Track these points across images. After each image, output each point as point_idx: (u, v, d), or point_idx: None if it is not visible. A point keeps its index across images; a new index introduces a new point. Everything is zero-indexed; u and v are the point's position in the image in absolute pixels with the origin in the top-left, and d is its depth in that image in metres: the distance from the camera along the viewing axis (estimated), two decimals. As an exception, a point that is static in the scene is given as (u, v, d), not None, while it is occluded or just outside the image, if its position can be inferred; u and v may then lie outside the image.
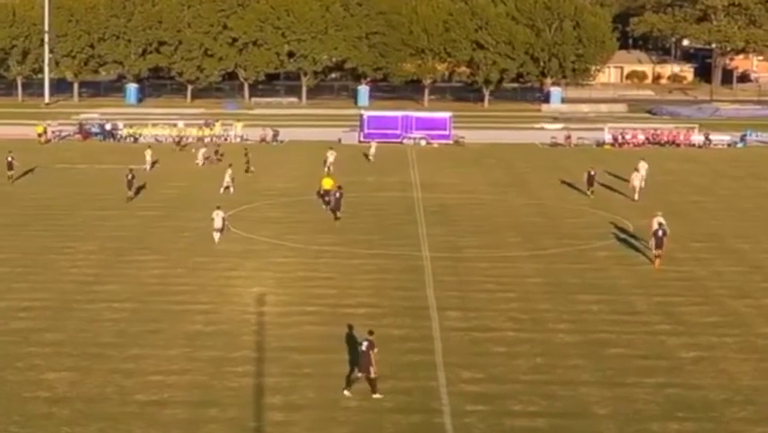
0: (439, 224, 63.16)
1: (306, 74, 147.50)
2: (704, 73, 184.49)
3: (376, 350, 35.25)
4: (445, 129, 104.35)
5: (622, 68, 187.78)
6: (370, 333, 36.17)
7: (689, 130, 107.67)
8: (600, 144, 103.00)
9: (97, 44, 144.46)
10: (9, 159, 77.43)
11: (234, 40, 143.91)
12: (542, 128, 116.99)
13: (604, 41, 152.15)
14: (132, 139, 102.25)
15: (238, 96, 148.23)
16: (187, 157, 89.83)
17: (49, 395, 34.63)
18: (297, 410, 33.73)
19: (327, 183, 69.26)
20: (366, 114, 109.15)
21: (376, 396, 34.94)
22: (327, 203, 66.98)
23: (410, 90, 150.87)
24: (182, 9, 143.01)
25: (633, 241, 59.32)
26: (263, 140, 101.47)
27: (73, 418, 32.73)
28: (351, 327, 40.33)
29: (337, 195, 64.80)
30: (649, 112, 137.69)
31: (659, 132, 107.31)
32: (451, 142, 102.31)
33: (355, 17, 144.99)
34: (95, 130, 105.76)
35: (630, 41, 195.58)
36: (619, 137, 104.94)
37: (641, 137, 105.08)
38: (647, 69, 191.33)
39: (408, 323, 43.30)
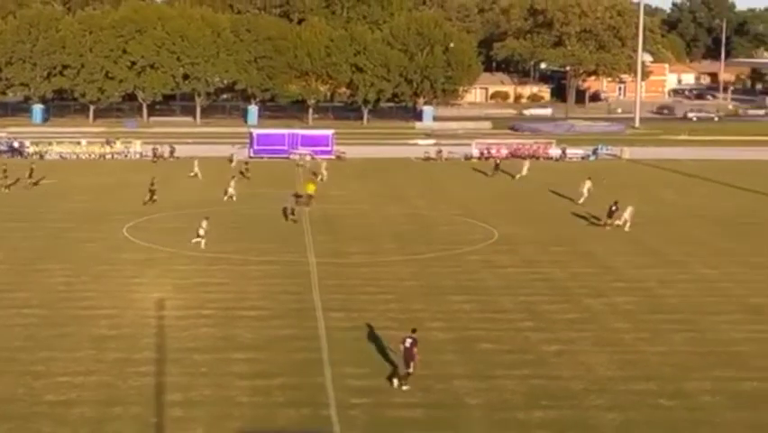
0: (324, 232, 63.02)
1: (199, 95, 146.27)
2: (559, 93, 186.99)
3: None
4: (328, 145, 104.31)
5: (487, 88, 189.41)
6: (413, 331, 36.38)
7: (547, 144, 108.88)
8: (468, 158, 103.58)
9: (5, 68, 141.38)
10: None
11: (133, 63, 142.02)
12: (415, 144, 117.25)
13: (470, 65, 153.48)
14: (38, 156, 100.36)
15: (137, 115, 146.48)
16: (90, 173, 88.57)
17: (-39, 397, 33.86)
18: (194, 407, 33.43)
19: (310, 188, 72.36)
20: (255, 131, 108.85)
21: (404, 388, 35.13)
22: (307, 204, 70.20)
23: (295, 109, 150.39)
24: (84, 35, 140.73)
25: (499, 246, 59.81)
26: (156, 156, 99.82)
27: (-15, 418, 32.04)
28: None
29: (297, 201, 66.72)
30: (511, 128, 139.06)
31: (520, 146, 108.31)
32: (333, 157, 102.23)
33: (244, 42, 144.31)
34: (2, 148, 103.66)
35: (494, 64, 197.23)
36: (485, 151, 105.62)
37: (504, 151, 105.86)
38: (509, 89, 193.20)
39: (296, 324, 43.14)
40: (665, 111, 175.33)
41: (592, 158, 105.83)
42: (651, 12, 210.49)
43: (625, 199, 67.34)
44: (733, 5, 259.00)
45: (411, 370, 35.56)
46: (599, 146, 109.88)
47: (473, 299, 47.59)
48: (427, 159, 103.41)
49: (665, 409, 33.79)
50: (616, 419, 32.81)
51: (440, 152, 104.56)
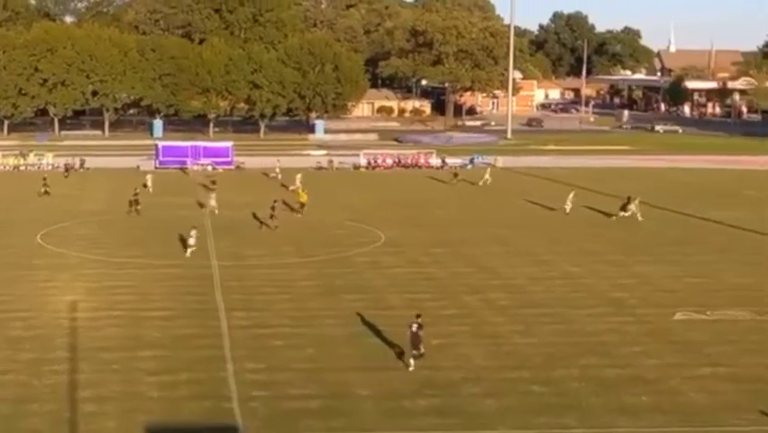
0: (225, 237, 62.47)
1: (108, 110, 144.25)
2: (439, 107, 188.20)
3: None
4: (228, 156, 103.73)
5: (373, 103, 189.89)
6: (418, 316, 37.42)
7: (428, 154, 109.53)
8: (357, 167, 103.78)
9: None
10: None
11: (45, 80, 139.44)
12: (308, 154, 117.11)
13: (358, 81, 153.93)
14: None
15: (49, 129, 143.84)
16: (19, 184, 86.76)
17: None
18: (106, 402, 32.88)
19: (303, 197, 72.20)
20: (160, 144, 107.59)
21: (411, 368, 36.15)
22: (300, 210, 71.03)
23: (198, 123, 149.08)
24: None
25: (386, 248, 59.95)
26: (68, 169, 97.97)
27: None
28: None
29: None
30: (396, 140, 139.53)
31: (404, 156, 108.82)
32: (233, 167, 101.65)
33: (149, 61, 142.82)
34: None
35: (379, 81, 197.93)
36: (372, 161, 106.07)
37: (389, 161, 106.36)
38: (394, 104, 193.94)
39: (200, 323, 42.68)
40: (534, 123, 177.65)
41: (469, 166, 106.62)
42: (520, 33, 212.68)
43: (509, 203, 67.97)
44: (593, 27, 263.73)
45: (422, 351, 36.64)
46: (475, 156, 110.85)
47: (363, 297, 47.60)
48: (320, 168, 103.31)
49: (537, 395, 34.13)
50: (492, 405, 33.05)
51: (331, 161, 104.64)
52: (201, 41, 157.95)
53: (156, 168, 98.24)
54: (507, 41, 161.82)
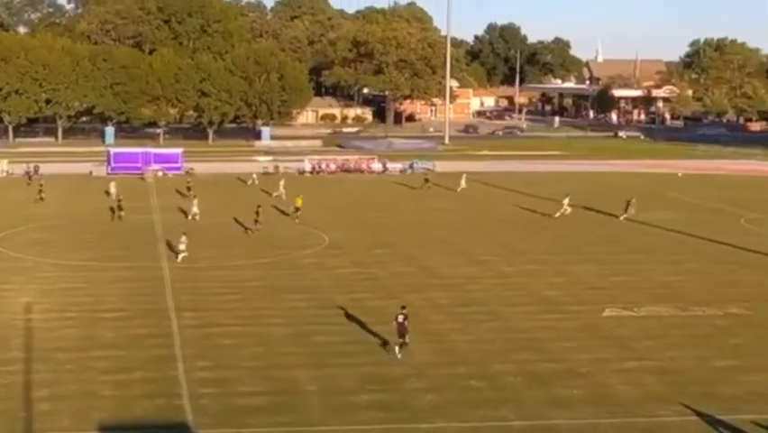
0: (177, 240, 61.94)
1: (61, 118, 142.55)
2: (380, 114, 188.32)
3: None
4: (178, 162, 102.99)
5: (317, 111, 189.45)
6: (403, 307, 38.36)
7: (370, 159, 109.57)
8: (302, 172, 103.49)
9: None
10: None
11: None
12: (255, 160, 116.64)
13: (302, 90, 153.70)
14: None
15: (3, 136, 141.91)
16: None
17: None
18: (61, 401, 32.55)
19: (298, 201, 71.85)
20: (112, 150, 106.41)
21: (400, 356, 36.99)
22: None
23: (148, 131, 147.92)
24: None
25: (330, 250, 59.89)
26: (30, 176, 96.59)
27: None
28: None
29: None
30: (339, 146, 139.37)
31: (347, 161, 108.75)
32: (182, 172, 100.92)
33: (101, 70, 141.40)
34: None
35: (323, 89, 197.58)
36: (317, 166, 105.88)
37: (333, 166, 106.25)
38: (337, 111, 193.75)
39: (152, 323, 42.42)
40: (470, 130, 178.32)
41: (409, 171, 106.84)
42: (457, 44, 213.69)
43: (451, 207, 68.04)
44: (525, 38, 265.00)
45: (407, 340, 37.42)
46: (414, 161, 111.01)
47: (309, 297, 47.54)
48: (266, 173, 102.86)
49: (475, 389, 34.30)
50: (433, 399, 33.16)
51: (277, 167, 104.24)
52: (151, 51, 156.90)
53: (108, 174, 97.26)
54: (445, 52, 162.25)
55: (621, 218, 72.22)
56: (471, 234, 66.59)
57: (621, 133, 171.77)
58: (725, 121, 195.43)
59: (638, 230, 69.11)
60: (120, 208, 70.89)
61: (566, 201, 73.92)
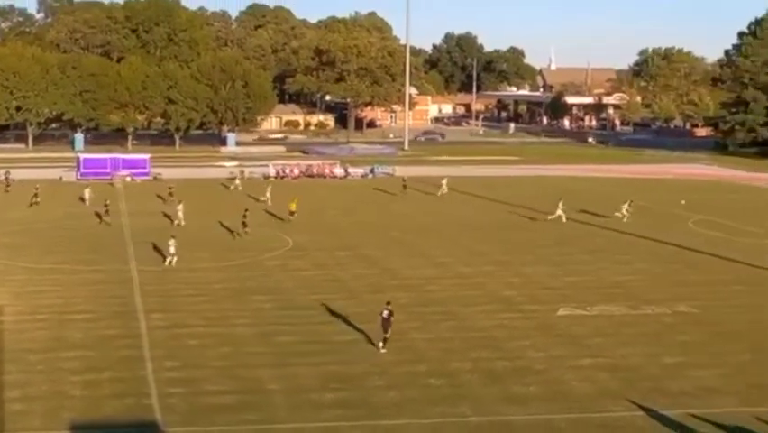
0: (144, 243, 61.63)
1: (31, 124, 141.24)
2: (342, 121, 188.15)
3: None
4: (146, 168, 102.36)
5: (281, 117, 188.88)
6: (388, 303, 39.18)
7: (332, 165, 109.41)
8: (266, 177, 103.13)
9: None
10: None
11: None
12: (221, 165, 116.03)
13: (266, 97, 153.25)
14: None
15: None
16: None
17: None
18: (32, 401, 32.22)
19: (293, 205, 71.64)
20: (82, 156, 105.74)
21: (384, 351, 37.76)
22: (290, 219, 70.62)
23: (117, 136, 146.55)
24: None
25: (294, 252, 59.75)
26: (9, 183, 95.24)
27: None
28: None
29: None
30: (302, 151, 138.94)
31: (310, 166, 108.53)
32: (150, 178, 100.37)
33: (71, 78, 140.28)
34: None
35: (286, 96, 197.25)
36: (281, 171, 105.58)
37: (296, 171, 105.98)
38: (300, 118, 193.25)
39: (121, 324, 42.09)
40: (429, 135, 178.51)
41: (370, 176, 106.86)
42: (415, 53, 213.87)
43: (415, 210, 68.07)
44: (482, 47, 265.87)
45: (388, 335, 38.15)
46: (375, 166, 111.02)
47: (273, 298, 47.40)
48: (231, 178, 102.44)
49: (434, 387, 34.32)
50: (394, 397, 33.16)
51: (242, 172, 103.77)
52: (119, 60, 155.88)
53: (77, 179, 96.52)
54: (404, 60, 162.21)
55: (548, 218, 72.14)
56: (431, 236, 66.63)
57: (590, 139, 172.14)
58: (672, 127, 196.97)
59: (589, 231, 69.51)
60: (107, 213, 70.29)
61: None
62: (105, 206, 71.30)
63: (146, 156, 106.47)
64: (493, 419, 31.36)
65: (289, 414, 31.56)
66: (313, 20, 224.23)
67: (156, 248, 59.07)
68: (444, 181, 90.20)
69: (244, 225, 64.64)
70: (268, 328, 41.64)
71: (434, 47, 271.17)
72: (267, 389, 33.87)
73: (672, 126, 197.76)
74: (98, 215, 71.02)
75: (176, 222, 68.81)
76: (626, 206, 74.28)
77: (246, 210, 66.71)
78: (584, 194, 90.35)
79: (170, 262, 54.74)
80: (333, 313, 44.37)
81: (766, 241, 66.48)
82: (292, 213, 71.66)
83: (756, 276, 54.33)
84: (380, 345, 38.32)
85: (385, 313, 38.47)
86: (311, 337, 40.35)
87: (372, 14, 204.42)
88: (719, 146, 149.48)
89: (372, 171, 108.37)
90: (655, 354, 38.63)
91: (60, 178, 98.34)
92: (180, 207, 70.40)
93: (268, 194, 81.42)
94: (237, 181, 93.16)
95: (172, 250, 54.97)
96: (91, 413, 31.32)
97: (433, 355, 38.02)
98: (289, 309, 45.12)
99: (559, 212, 72.60)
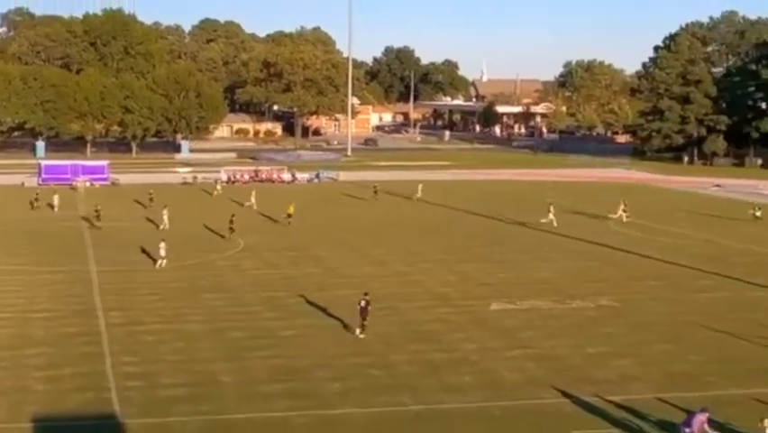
0: (104, 245, 60.95)
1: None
2: (289, 129, 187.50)
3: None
4: (104, 173, 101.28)
5: (232, 126, 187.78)
6: (366, 294, 39.90)
7: (280, 170, 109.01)
8: (217, 182, 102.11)
9: None
10: None
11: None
12: (176, 171, 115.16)
13: (218, 107, 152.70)
14: None
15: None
16: None
17: None
18: (-4, 396, 31.72)
19: (290, 208, 71.56)
20: (43, 163, 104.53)
21: (362, 336, 38.74)
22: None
23: (76, 144, 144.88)
24: None
25: (244, 253, 59.44)
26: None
27: None
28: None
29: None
30: (252, 158, 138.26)
31: (259, 171, 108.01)
32: (108, 183, 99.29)
33: (32, 89, 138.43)
34: None
35: (237, 106, 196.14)
36: (232, 176, 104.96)
37: (247, 176, 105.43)
38: (250, 126, 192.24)
39: (81, 322, 41.58)
40: (370, 143, 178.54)
41: (316, 180, 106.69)
42: (357, 65, 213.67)
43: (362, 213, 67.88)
44: (419, 60, 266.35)
45: (366, 323, 39.02)
46: (320, 171, 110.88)
47: (224, 296, 47.09)
48: (185, 183, 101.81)
49: (375, 377, 34.33)
50: (338, 388, 33.10)
51: (195, 177, 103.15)
52: (78, 71, 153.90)
53: (38, 184, 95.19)
54: (347, 72, 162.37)
55: (541, 221, 70.48)
56: (374, 237, 66.69)
57: (515, 144, 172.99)
58: (594, 134, 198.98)
59: (519, 231, 70.00)
60: (98, 219, 69.04)
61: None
62: (96, 211, 69.96)
63: (104, 162, 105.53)
64: (431, 408, 31.43)
65: (240, 405, 31.37)
66: (261, 34, 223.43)
67: (115, 251, 58.51)
68: (420, 187, 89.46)
69: (231, 229, 63.83)
70: (219, 325, 41.29)
71: (375, 59, 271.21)
72: (219, 381, 33.63)
73: (594, 134, 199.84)
74: (87, 219, 69.82)
75: (161, 226, 67.75)
76: (621, 207, 74.84)
77: (233, 215, 65.92)
78: (513, 196, 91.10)
79: (160, 264, 53.88)
80: (281, 310, 44.19)
81: (680, 240, 67.45)
82: (289, 216, 71.21)
83: (672, 272, 55.08)
84: (358, 331, 39.19)
85: (363, 303, 39.24)
86: (259, 333, 40.12)
87: (317, 29, 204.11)
88: (637, 152, 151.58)
89: (318, 176, 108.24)
90: (580, 344, 38.99)
91: (22, 183, 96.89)
92: (165, 211, 69.04)
93: (252, 199, 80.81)
94: (219, 187, 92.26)
95: (162, 253, 54.07)
96: (54, 407, 30.89)
97: (374, 348, 37.98)
98: (239, 306, 44.84)
99: (551, 216, 71.60)
